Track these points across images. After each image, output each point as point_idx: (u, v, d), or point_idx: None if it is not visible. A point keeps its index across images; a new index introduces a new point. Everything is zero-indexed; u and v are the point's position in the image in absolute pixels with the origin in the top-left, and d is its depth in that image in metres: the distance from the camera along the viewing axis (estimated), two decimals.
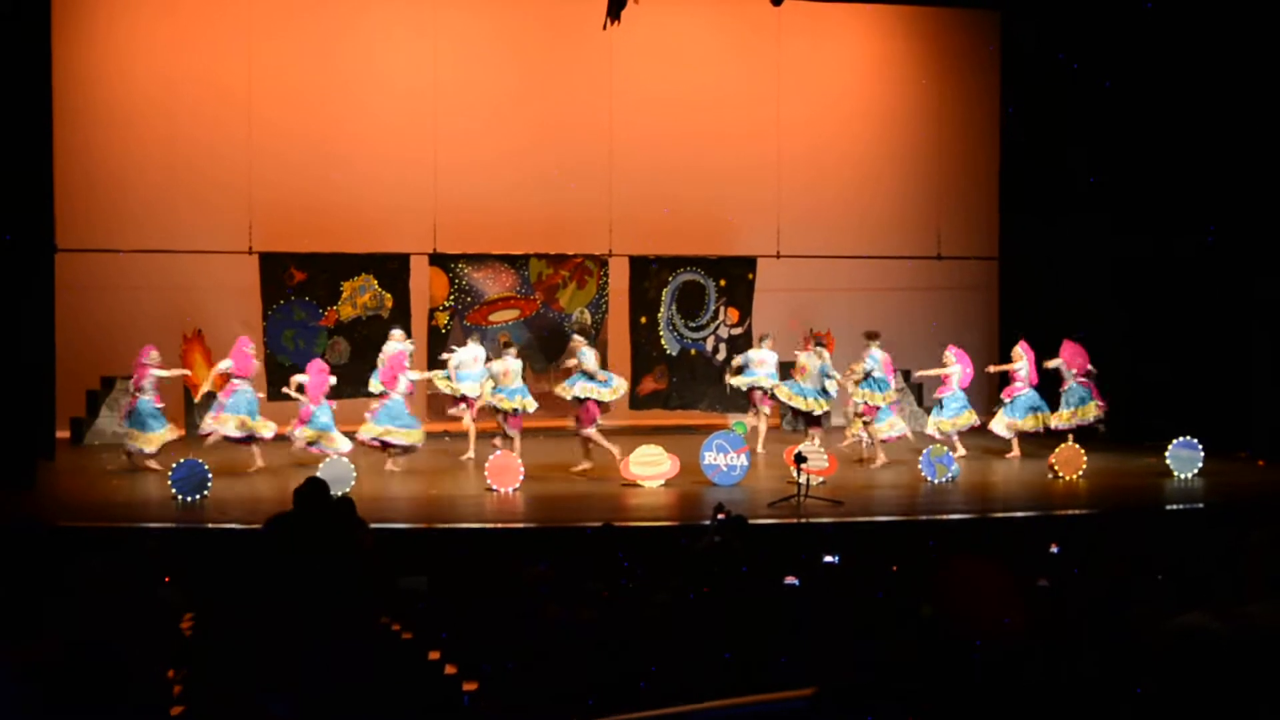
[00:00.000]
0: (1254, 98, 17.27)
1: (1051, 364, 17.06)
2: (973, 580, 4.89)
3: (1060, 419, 16.95)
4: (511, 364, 16.24)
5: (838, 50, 21.70)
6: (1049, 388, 17.24)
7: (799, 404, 16.77)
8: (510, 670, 6.06)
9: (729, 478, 14.67)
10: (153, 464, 15.11)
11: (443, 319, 19.10)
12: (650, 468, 14.77)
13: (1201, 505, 14.12)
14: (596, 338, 19.62)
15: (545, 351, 18.07)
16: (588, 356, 15.81)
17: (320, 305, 18.65)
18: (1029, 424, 16.90)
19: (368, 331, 18.62)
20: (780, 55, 20.70)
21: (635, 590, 7.96)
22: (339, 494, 13.44)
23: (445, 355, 17.30)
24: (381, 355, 16.12)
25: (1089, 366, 17.06)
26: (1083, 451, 15.46)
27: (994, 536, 12.36)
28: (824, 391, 16.51)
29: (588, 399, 15.58)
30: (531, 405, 16.17)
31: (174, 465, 13.57)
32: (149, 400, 15.32)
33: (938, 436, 16.63)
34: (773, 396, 17.35)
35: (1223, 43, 17.33)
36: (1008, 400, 17.01)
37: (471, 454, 16.50)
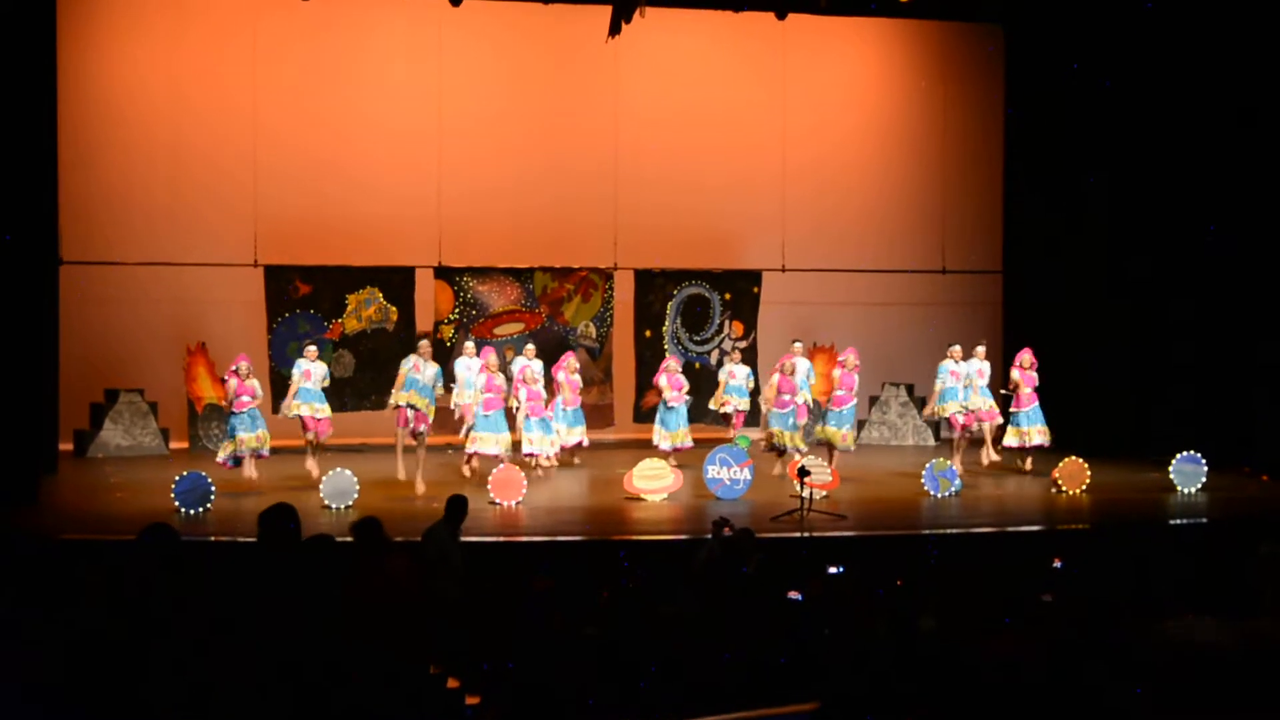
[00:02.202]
0: (1257, 103, 17.29)
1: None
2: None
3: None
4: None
5: (842, 64, 21.72)
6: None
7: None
8: (512, 682, 6.06)
9: (732, 491, 14.67)
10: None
11: (448, 332, 19.11)
12: (653, 481, 14.76)
13: (1205, 520, 14.09)
14: (601, 351, 19.64)
15: (549, 365, 18.02)
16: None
17: (325, 318, 18.69)
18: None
19: (373, 345, 18.67)
20: (784, 69, 20.75)
21: (637, 599, 7.96)
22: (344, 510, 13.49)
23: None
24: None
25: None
26: (1086, 466, 15.42)
27: (997, 551, 12.33)
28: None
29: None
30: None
31: (177, 478, 13.57)
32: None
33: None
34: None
35: (1226, 46, 17.35)
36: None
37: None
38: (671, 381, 17.13)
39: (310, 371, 15.56)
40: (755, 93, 21.06)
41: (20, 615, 5.42)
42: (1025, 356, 16.84)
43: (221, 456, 15.00)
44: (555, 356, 17.77)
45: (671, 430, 17.08)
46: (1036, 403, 16.68)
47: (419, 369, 15.19)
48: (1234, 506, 14.65)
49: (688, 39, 20.68)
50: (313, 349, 15.85)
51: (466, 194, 19.75)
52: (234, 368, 15.10)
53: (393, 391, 15.30)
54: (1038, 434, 16.69)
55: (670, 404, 17.10)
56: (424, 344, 15.77)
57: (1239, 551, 7.51)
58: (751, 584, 8.85)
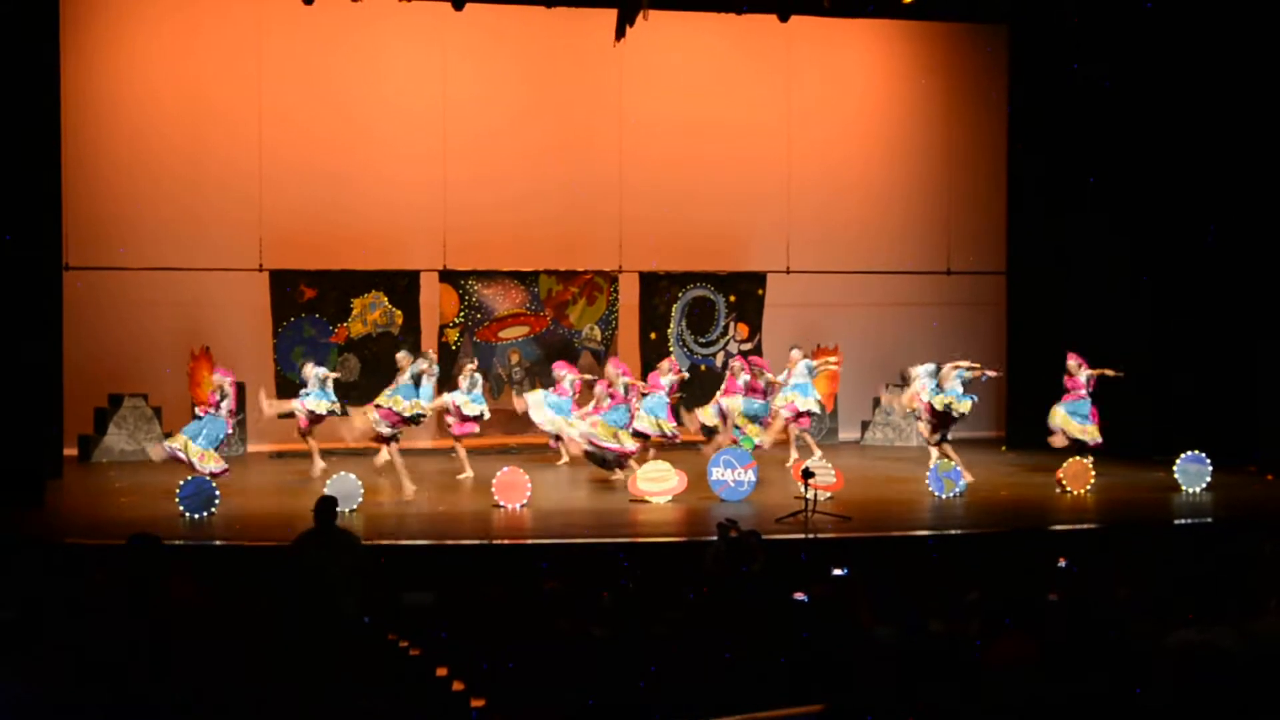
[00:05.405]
0: (1258, 101, 17.27)
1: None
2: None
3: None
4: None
5: (846, 65, 21.70)
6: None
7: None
8: (517, 684, 6.06)
9: (736, 493, 14.67)
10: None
11: (453, 335, 19.13)
12: (658, 483, 14.76)
13: (1210, 520, 14.08)
14: (606, 354, 19.65)
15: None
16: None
17: (330, 322, 18.72)
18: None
19: (377, 348, 18.68)
20: (788, 71, 20.75)
21: (641, 600, 7.96)
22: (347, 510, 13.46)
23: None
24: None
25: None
26: (1090, 466, 15.41)
27: (1001, 551, 12.31)
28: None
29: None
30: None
31: (181, 483, 13.57)
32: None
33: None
34: None
35: (1227, 45, 17.33)
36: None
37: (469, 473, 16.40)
38: (653, 381, 17.01)
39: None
40: (759, 95, 21.05)
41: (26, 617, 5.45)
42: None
43: (213, 467, 14.50)
44: (561, 359, 17.75)
45: (660, 417, 16.92)
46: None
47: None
48: (1239, 506, 14.64)
49: (691, 41, 20.66)
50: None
51: (471, 197, 19.75)
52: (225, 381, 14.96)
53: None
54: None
55: (646, 392, 16.90)
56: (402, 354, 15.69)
57: (1243, 551, 7.51)
58: (756, 585, 8.84)
